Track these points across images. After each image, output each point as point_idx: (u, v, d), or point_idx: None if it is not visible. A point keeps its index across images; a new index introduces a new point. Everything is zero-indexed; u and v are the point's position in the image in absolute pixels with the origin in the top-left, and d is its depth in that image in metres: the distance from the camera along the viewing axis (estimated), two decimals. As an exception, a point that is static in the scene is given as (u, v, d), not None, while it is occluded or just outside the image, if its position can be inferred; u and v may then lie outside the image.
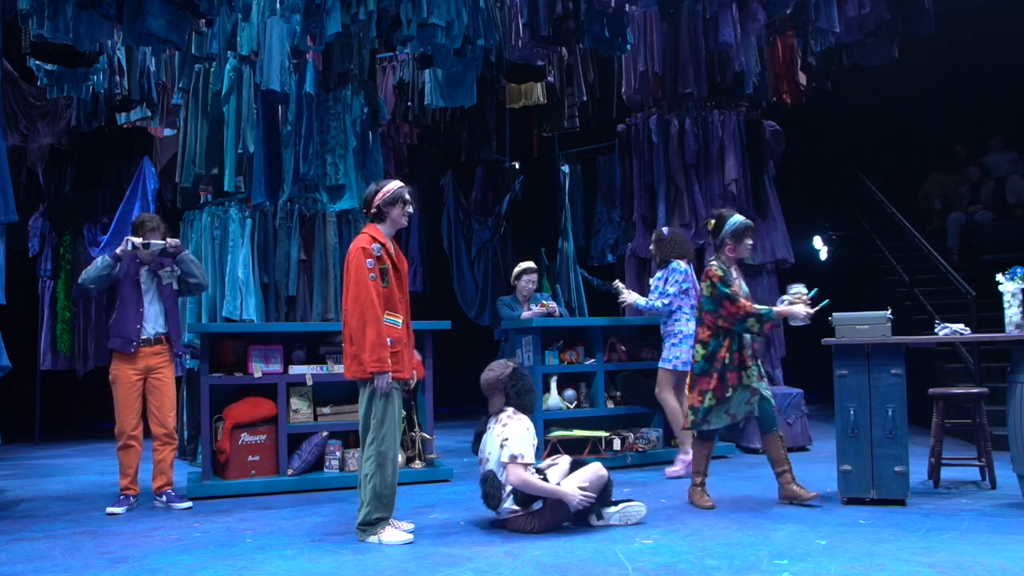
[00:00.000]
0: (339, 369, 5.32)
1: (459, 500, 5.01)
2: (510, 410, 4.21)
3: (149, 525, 4.45)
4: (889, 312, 4.74)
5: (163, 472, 5.02)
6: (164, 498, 4.99)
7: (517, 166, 10.31)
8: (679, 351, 5.81)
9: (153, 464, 5.02)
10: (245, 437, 5.42)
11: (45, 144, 8.22)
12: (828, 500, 4.63)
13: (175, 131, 7.87)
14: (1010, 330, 4.50)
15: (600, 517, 4.12)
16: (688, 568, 3.33)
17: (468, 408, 10.92)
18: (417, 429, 5.84)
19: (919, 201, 10.47)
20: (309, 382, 5.61)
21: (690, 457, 5.82)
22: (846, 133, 10.77)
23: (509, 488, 4.02)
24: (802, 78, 8.52)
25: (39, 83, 7.00)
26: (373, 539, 3.88)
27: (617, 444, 6.31)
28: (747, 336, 4.58)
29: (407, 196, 4.12)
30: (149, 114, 8.03)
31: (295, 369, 5.61)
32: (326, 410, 5.67)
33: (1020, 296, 4.51)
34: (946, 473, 5.32)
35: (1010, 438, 4.40)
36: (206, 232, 6.33)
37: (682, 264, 5.95)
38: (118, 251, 4.86)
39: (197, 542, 4.00)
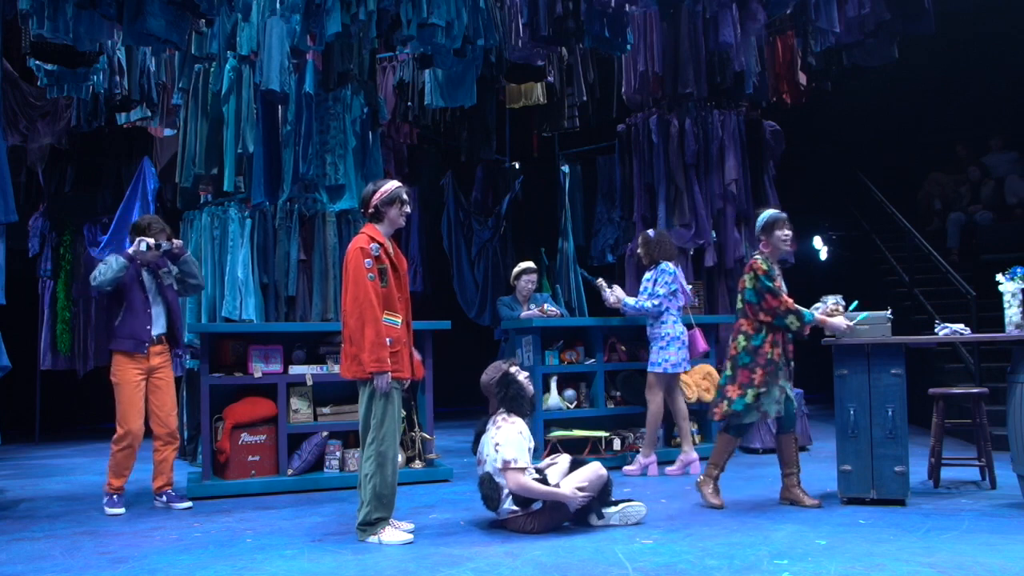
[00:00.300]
0: (339, 369, 5.32)
1: (459, 500, 5.01)
2: (504, 412, 4.21)
3: (149, 525, 4.45)
4: (889, 312, 4.74)
5: (163, 472, 5.01)
6: (164, 498, 4.99)
7: (517, 166, 10.31)
8: (667, 354, 5.80)
9: (154, 464, 5.01)
10: (245, 437, 5.42)
11: (45, 144, 8.22)
12: (828, 500, 4.64)
13: (175, 131, 7.87)
14: (1010, 330, 4.50)
15: (600, 517, 4.12)
16: (688, 568, 3.33)
17: (468, 408, 10.92)
18: (417, 429, 5.84)
19: (919, 201, 10.47)
20: (309, 382, 5.61)
21: (691, 457, 5.84)
22: (846, 133, 10.77)
23: (507, 490, 4.02)
24: (802, 78, 8.52)
25: (39, 83, 6.99)
26: (373, 539, 3.88)
27: (617, 444, 6.32)
28: (788, 334, 4.57)
29: (404, 196, 4.12)
30: (149, 114, 8.03)
31: (295, 369, 5.61)
32: (326, 410, 5.67)
33: (1020, 296, 4.51)
34: (946, 473, 5.32)
35: (1010, 438, 4.41)
36: (206, 232, 6.33)
37: (670, 265, 5.94)
38: (130, 251, 4.85)
39: (197, 542, 4.00)
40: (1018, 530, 3.88)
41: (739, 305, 4.67)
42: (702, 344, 6.07)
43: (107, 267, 4.76)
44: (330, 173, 6.50)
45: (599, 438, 6.21)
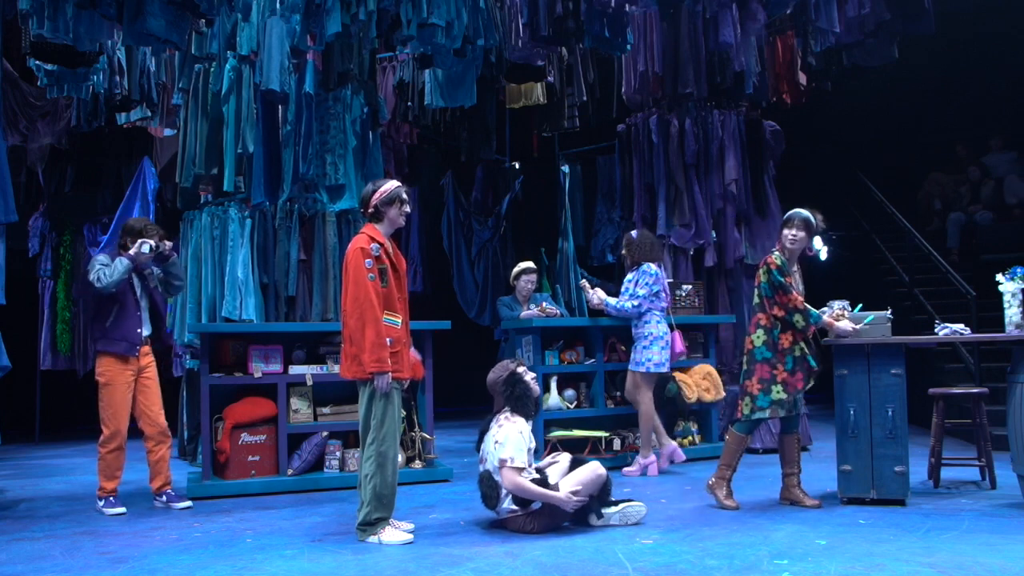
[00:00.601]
0: (338, 369, 5.32)
1: (459, 500, 5.01)
2: (507, 411, 4.21)
3: (149, 525, 4.46)
4: (889, 312, 4.74)
5: (161, 472, 5.02)
6: (164, 498, 4.99)
7: (517, 166, 10.30)
8: (651, 353, 5.81)
9: (150, 465, 5.01)
10: (245, 437, 5.43)
11: (45, 144, 8.22)
12: (828, 500, 4.64)
13: (175, 131, 7.86)
14: (1010, 330, 4.50)
15: (600, 517, 4.12)
16: (688, 568, 3.33)
17: (468, 408, 10.92)
18: (417, 429, 5.84)
19: (919, 201, 10.47)
20: (309, 382, 5.61)
21: (649, 460, 5.84)
22: (846, 133, 10.77)
23: (505, 489, 4.02)
24: (802, 78, 8.52)
25: (39, 83, 6.99)
26: (373, 539, 3.88)
27: (617, 444, 6.32)
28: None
29: (404, 196, 4.12)
30: (149, 114, 8.03)
31: (295, 369, 5.61)
32: (326, 410, 5.67)
33: (1020, 296, 4.51)
34: (946, 473, 5.32)
35: (1010, 438, 4.41)
36: (206, 232, 6.32)
37: (653, 267, 5.95)
38: (132, 253, 4.86)
39: (197, 542, 4.00)
40: (1018, 530, 3.88)
41: (756, 300, 4.68)
42: (679, 346, 6.06)
43: (111, 269, 4.75)
44: (330, 173, 6.50)
45: (599, 438, 6.21)
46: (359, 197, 6.49)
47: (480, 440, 4.27)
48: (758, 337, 4.58)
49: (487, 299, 9.50)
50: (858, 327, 4.58)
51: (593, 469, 4.10)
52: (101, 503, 4.81)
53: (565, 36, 6.93)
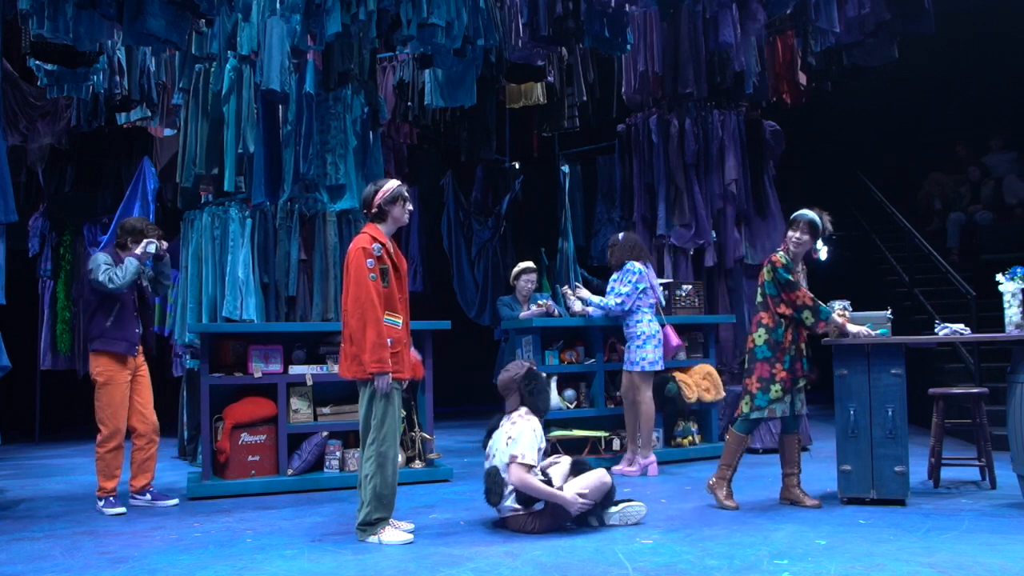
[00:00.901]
0: (338, 369, 5.32)
1: (459, 500, 5.02)
2: (523, 410, 4.22)
3: (149, 525, 4.46)
4: (889, 312, 4.74)
5: (148, 470, 5.02)
6: (148, 496, 4.99)
7: (517, 166, 10.30)
8: (644, 352, 5.80)
9: (136, 463, 5.01)
10: (245, 437, 5.42)
11: (45, 144, 8.22)
12: (828, 500, 4.64)
13: (175, 131, 7.86)
14: (1010, 330, 4.50)
15: (601, 522, 4.11)
16: (688, 568, 3.33)
17: (468, 408, 10.93)
18: (417, 429, 5.84)
19: (919, 201, 10.47)
20: (309, 382, 5.61)
21: (650, 460, 5.84)
22: (846, 133, 10.77)
23: (510, 487, 4.02)
24: (802, 78, 8.52)
25: (39, 83, 6.99)
26: (373, 539, 3.88)
27: (617, 444, 6.32)
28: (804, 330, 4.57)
29: (406, 194, 4.13)
30: (149, 114, 8.03)
31: (295, 369, 5.61)
32: (326, 410, 5.67)
33: (1020, 296, 4.51)
34: (946, 473, 5.32)
35: (1010, 438, 4.41)
36: (206, 232, 6.32)
37: (636, 264, 5.95)
38: (139, 252, 4.91)
39: (197, 542, 4.00)
40: (1018, 530, 3.88)
41: (758, 299, 4.68)
42: (675, 340, 6.06)
43: (123, 269, 4.82)
44: (331, 173, 6.50)
45: (599, 438, 6.21)
46: (360, 197, 6.52)
47: (487, 438, 4.27)
48: (759, 336, 4.58)
49: (487, 299, 9.50)
50: (872, 334, 4.57)
51: (598, 476, 4.10)
52: (101, 503, 4.81)
53: (565, 36, 6.93)
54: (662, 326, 6.01)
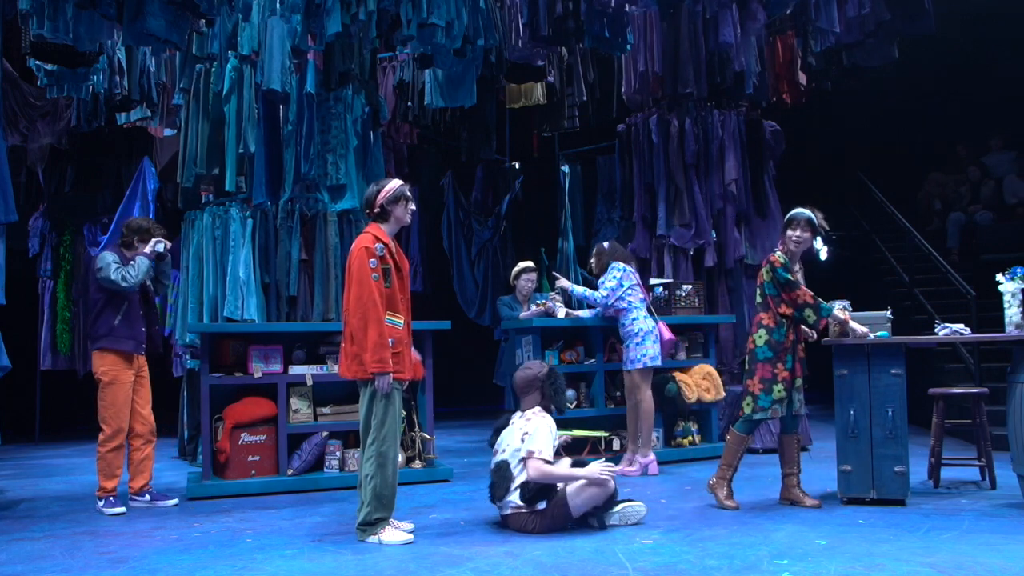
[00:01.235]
0: (338, 369, 5.32)
1: (459, 500, 5.02)
2: (537, 408, 4.23)
3: (149, 525, 4.46)
4: (889, 312, 4.74)
5: (146, 471, 5.03)
6: (147, 497, 4.99)
7: (517, 166, 10.30)
8: (644, 348, 5.81)
9: (134, 463, 5.01)
10: (245, 437, 5.42)
11: (45, 144, 8.22)
12: (828, 500, 4.64)
13: (175, 131, 7.87)
14: (1010, 330, 4.50)
15: (601, 524, 4.11)
16: (688, 568, 3.33)
17: (468, 408, 10.93)
18: (417, 429, 5.84)
19: (919, 201, 10.47)
20: (309, 382, 5.61)
21: (649, 459, 5.85)
22: (846, 133, 10.77)
23: (517, 482, 4.03)
24: (802, 78, 8.52)
25: (39, 83, 6.99)
26: (373, 539, 3.88)
27: (617, 444, 6.32)
28: (804, 328, 4.57)
29: (409, 193, 4.13)
30: (149, 114, 8.03)
31: (295, 369, 5.61)
32: (326, 410, 5.67)
33: (1020, 296, 4.51)
34: (946, 473, 5.32)
35: (1010, 438, 4.41)
36: (207, 232, 6.32)
37: (619, 263, 6.02)
38: (148, 251, 4.95)
39: (197, 542, 4.00)
40: (1018, 530, 3.88)
41: (758, 299, 4.69)
42: (667, 334, 6.06)
43: (135, 268, 4.84)
44: (331, 173, 6.50)
45: (599, 438, 6.21)
46: (360, 197, 6.52)
47: (495, 436, 4.28)
48: (760, 336, 4.58)
49: (487, 299, 9.50)
50: (873, 336, 4.58)
51: (604, 481, 4.10)
52: (101, 503, 4.81)
53: (565, 36, 6.94)
54: (655, 323, 6.03)
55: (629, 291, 5.91)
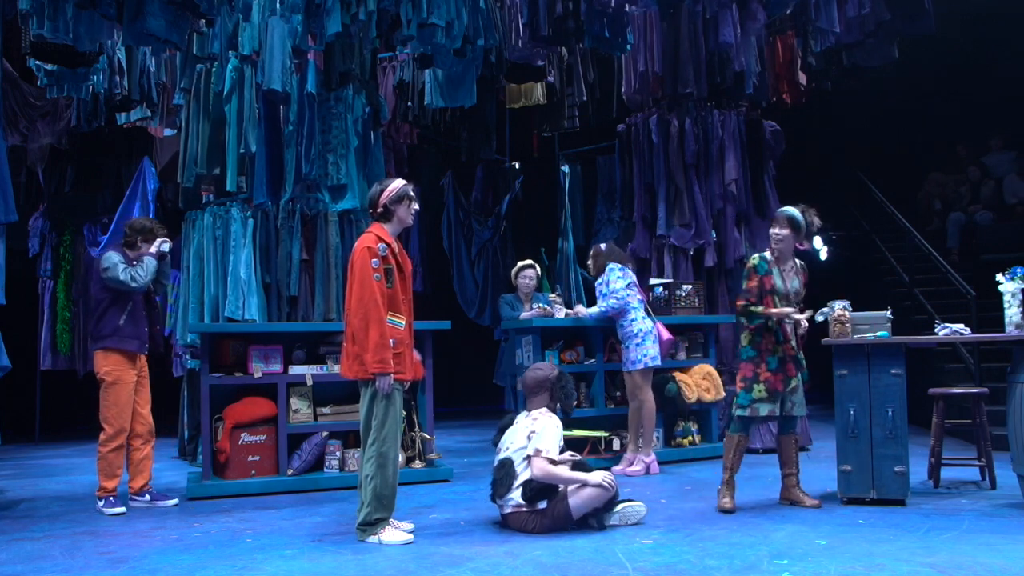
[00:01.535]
0: (339, 369, 5.31)
1: (459, 500, 5.02)
2: (544, 409, 4.24)
3: (149, 525, 4.46)
4: (889, 312, 4.74)
5: (145, 471, 5.03)
6: (147, 497, 4.99)
7: (517, 166, 10.30)
8: (645, 348, 5.83)
9: (133, 463, 5.01)
10: (245, 437, 5.43)
11: (45, 144, 8.22)
12: (828, 500, 4.64)
13: (175, 131, 7.86)
14: (1010, 330, 4.50)
15: (601, 525, 4.10)
16: (688, 568, 3.33)
17: (468, 408, 10.93)
18: (417, 429, 5.84)
19: (919, 201, 10.47)
20: (309, 382, 5.61)
21: (651, 459, 5.87)
22: (846, 133, 10.77)
23: (520, 480, 4.03)
24: (802, 78, 8.52)
25: (39, 83, 7.00)
26: (373, 539, 3.88)
27: (617, 444, 6.32)
28: (789, 328, 4.54)
29: (412, 193, 4.12)
30: (149, 114, 8.03)
31: (295, 369, 5.61)
32: (326, 410, 5.67)
33: (1020, 296, 4.51)
34: (946, 473, 5.32)
35: (1010, 438, 4.41)
36: (208, 232, 6.32)
37: (616, 264, 6.03)
38: (154, 251, 4.98)
39: (197, 542, 4.00)
40: (1018, 530, 3.88)
41: None
42: (666, 334, 6.06)
43: (144, 268, 4.86)
44: (332, 173, 6.50)
45: (599, 438, 6.21)
46: (361, 197, 6.53)
47: (499, 435, 4.29)
48: (744, 336, 4.65)
49: (487, 299, 9.50)
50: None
51: (604, 476, 4.10)
52: (101, 503, 4.81)
53: (565, 36, 6.93)
54: (654, 323, 6.04)
55: (628, 291, 5.93)
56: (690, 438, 6.57)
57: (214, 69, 6.46)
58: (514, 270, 6.83)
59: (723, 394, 6.55)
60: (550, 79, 8.75)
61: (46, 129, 8.09)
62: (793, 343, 4.59)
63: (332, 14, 5.76)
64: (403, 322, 4.02)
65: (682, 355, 6.65)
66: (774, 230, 4.60)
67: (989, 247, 9.15)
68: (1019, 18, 9.21)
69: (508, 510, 4.10)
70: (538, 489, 4.01)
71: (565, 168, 9.17)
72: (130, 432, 4.96)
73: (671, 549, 3.65)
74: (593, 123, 9.41)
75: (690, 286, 6.80)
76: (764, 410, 4.51)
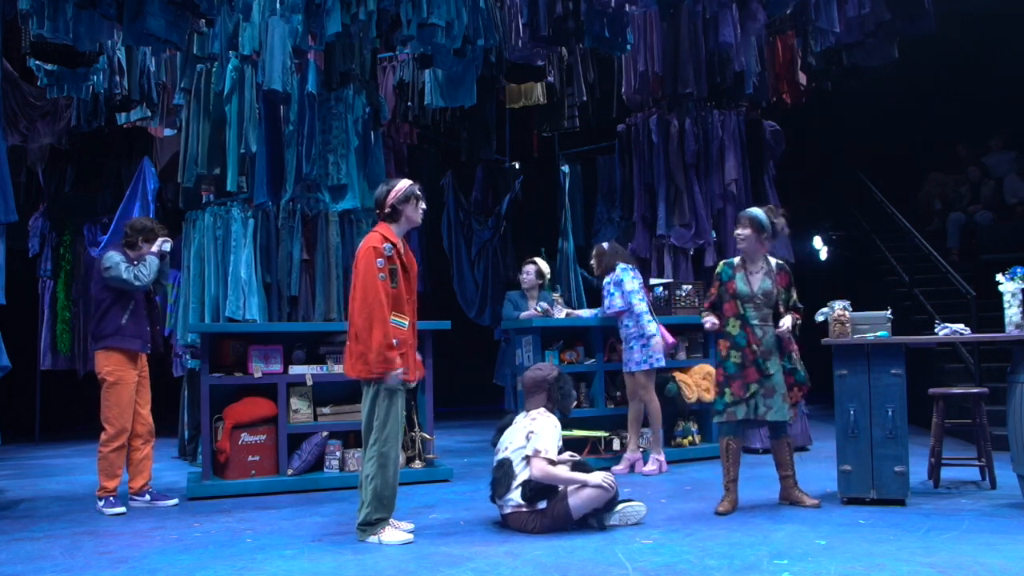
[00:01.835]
0: (339, 369, 5.31)
1: (459, 500, 5.02)
2: (542, 409, 4.25)
3: (149, 525, 4.46)
4: (889, 312, 4.73)
5: (145, 471, 5.03)
6: (147, 497, 4.99)
7: (517, 166, 10.30)
8: (651, 350, 5.84)
9: (133, 463, 5.01)
10: (245, 437, 5.43)
11: (45, 144, 8.22)
12: (828, 500, 4.64)
13: (175, 131, 7.86)
14: (1010, 330, 4.50)
15: (601, 525, 4.11)
16: (688, 568, 3.33)
17: (468, 408, 10.93)
18: (417, 429, 5.84)
19: (919, 201, 10.47)
20: (309, 382, 5.61)
21: (663, 457, 5.91)
22: (846, 133, 10.77)
23: (519, 480, 4.03)
24: (802, 78, 8.52)
25: (39, 83, 7.00)
26: (373, 539, 3.88)
27: (617, 444, 6.31)
28: (757, 331, 4.50)
29: (419, 192, 4.12)
30: (149, 114, 8.03)
31: (295, 369, 5.61)
32: (326, 410, 5.67)
33: (1020, 296, 4.51)
34: (946, 473, 5.32)
35: (1010, 438, 4.41)
36: (208, 232, 6.33)
37: (628, 265, 6.04)
38: (155, 250, 4.99)
39: (197, 542, 4.00)
40: (1018, 530, 3.88)
41: None
42: (670, 337, 6.06)
43: (147, 267, 4.87)
44: (332, 173, 6.50)
45: (599, 438, 6.21)
46: (361, 197, 6.53)
47: (498, 435, 4.29)
48: (721, 344, 4.70)
49: (487, 299, 9.50)
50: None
51: (605, 477, 4.10)
52: (101, 503, 4.81)
53: (565, 36, 6.93)
54: (658, 324, 6.04)
55: (642, 294, 5.94)
56: (690, 438, 6.57)
57: (214, 69, 6.46)
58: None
59: (723, 394, 6.55)
60: (550, 79, 8.75)
61: (46, 129, 8.09)
62: (757, 348, 4.47)
63: (332, 14, 5.76)
64: (406, 322, 4.02)
65: (682, 355, 6.65)
66: (737, 231, 4.64)
67: (989, 247, 9.15)
68: (1019, 18, 9.21)
69: (508, 510, 4.10)
70: (537, 489, 4.01)
71: (565, 168, 9.17)
72: (130, 432, 4.97)
73: (671, 549, 3.65)
74: (593, 123, 9.41)
75: (690, 286, 6.81)
76: (740, 413, 4.52)
